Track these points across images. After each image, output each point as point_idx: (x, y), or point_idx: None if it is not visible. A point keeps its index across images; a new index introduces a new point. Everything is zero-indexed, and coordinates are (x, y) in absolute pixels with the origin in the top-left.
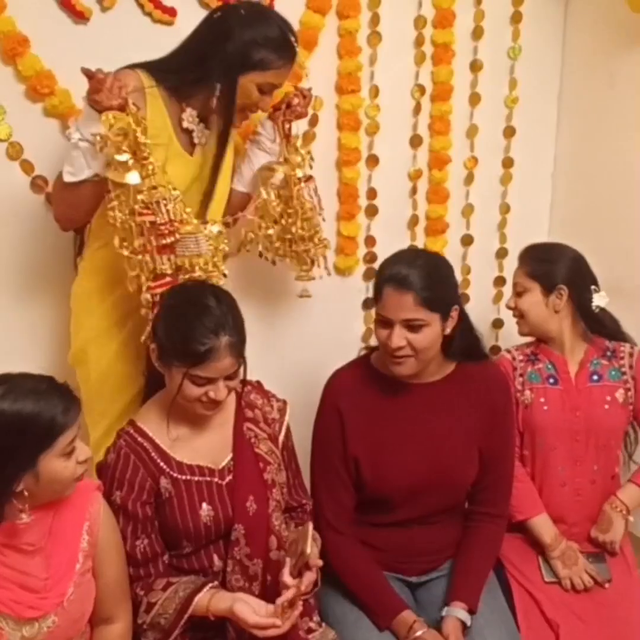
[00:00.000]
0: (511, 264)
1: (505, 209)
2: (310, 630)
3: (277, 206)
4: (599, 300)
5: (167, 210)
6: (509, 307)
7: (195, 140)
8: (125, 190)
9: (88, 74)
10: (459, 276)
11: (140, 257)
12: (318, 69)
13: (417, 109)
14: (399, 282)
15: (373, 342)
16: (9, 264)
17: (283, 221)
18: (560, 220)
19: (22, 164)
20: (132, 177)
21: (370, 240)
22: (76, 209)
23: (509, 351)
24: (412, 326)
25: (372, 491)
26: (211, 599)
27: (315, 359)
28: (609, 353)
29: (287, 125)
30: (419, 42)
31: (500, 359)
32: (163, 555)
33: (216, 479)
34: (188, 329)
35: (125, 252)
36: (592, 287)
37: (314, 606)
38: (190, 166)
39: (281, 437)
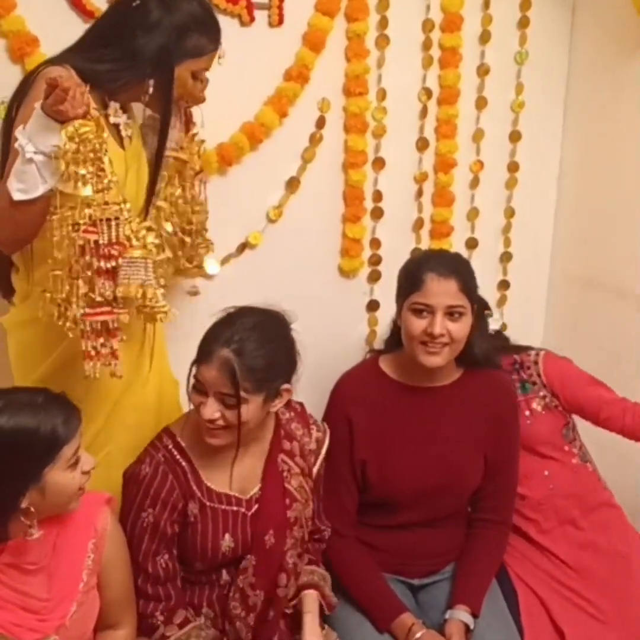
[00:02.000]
0: (515, 267)
1: (510, 213)
2: None
3: (177, 191)
4: (493, 323)
5: (115, 231)
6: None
7: (123, 133)
8: (74, 203)
9: (52, 83)
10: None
11: (73, 279)
12: (325, 71)
13: (423, 112)
14: (444, 268)
15: (377, 344)
16: None
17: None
18: (565, 225)
19: None
20: (86, 190)
21: (375, 243)
22: (26, 229)
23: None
24: (452, 314)
25: (378, 493)
26: None
27: (319, 361)
28: (516, 366)
29: (186, 113)
30: (426, 45)
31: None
32: (179, 572)
33: (242, 509)
34: (210, 330)
35: (56, 273)
36: (486, 311)
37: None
38: (124, 160)
39: (316, 469)
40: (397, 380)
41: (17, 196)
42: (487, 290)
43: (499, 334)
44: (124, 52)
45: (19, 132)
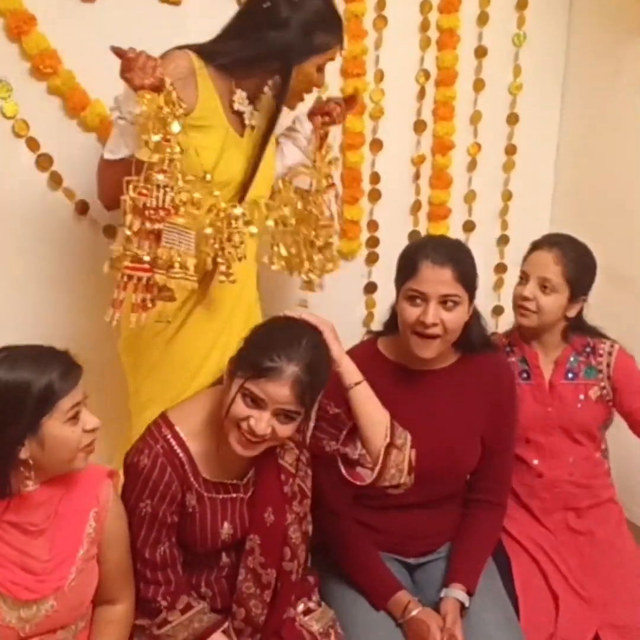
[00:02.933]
0: (512, 250)
1: (507, 196)
2: (308, 611)
3: (297, 200)
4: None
5: (163, 197)
6: (526, 298)
7: (246, 122)
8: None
9: (118, 52)
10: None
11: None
12: None
13: (421, 94)
14: (440, 256)
15: (375, 326)
16: (16, 239)
17: (295, 224)
18: (563, 208)
19: (28, 141)
20: (155, 158)
21: (372, 225)
22: (115, 187)
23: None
24: (446, 303)
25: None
26: None
27: None
28: (588, 349)
29: (323, 132)
30: (424, 26)
31: None
32: (179, 558)
33: (240, 494)
34: (267, 343)
35: (128, 232)
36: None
37: (313, 586)
38: (242, 147)
39: (308, 434)
40: (395, 362)
41: (106, 155)
42: (484, 273)
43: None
44: (252, 46)
45: (114, 99)
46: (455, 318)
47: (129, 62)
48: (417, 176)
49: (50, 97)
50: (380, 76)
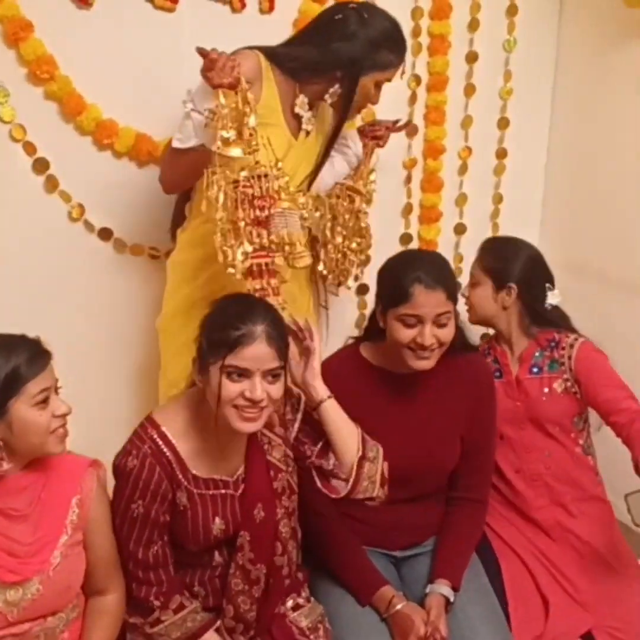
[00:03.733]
0: None
1: (498, 199)
2: (298, 606)
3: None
4: (552, 298)
5: (266, 185)
6: (462, 295)
7: (304, 126)
8: (230, 164)
9: (202, 53)
10: (451, 264)
11: (232, 227)
12: None
13: (413, 99)
14: (432, 279)
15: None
16: (12, 240)
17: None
18: (553, 211)
19: (25, 145)
20: (236, 152)
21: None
22: (179, 174)
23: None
24: (440, 321)
25: None
26: None
27: None
28: (553, 343)
29: (371, 151)
30: (415, 32)
31: None
32: (171, 558)
33: (230, 491)
34: (227, 318)
35: (221, 225)
36: (547, 285)
37: (302, 582)
38: (294, 149)
39: (292, 436)
40: (377, 366)
41: (174, 143)
42: None
43: (557, 309)
44: (318, 53)
45: (188, 91)
46: (449, 332)
47: (211, 62)
48: (408, 179)
49: (46, 102)
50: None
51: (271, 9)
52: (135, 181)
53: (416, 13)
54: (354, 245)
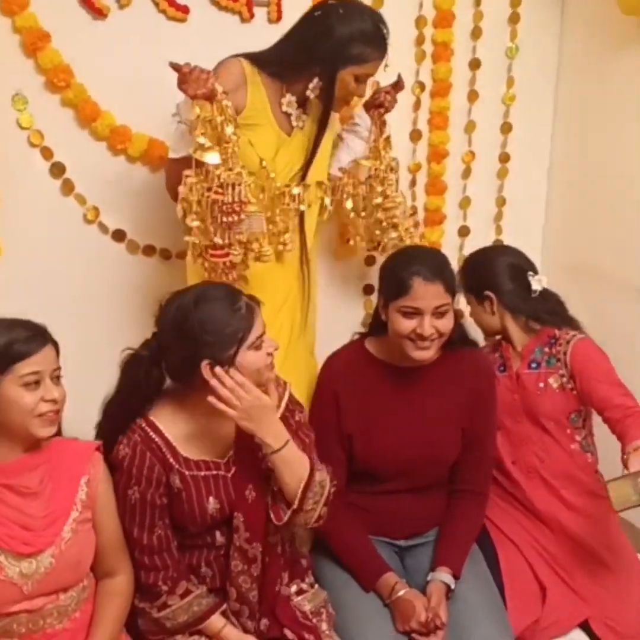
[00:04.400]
0: None
1: (501, 202)
2: (301, 591)
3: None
4: (536, 284)
5: (238, 192)
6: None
7: (293, 123)
8: (205, 169)
9: (175, 67)
10: (455, 266)
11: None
12: None
13: (417, 105)
14: (431, 272)
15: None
16: (30, 241)
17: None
18: (556, 214)
19: (43, 150)
20: (211, 158)
21: None
22: (179, 183)
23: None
24: (440, 312)
25: (364, 465)
26: (225, 627)
27: (316, 342)
28: (552, 340)
29: (380, 122)
30: (419, 41)
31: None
32: (173, 541)
33: (222, 472)
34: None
35: (191, 223)
36: (529, 273)
37: (306, 568)
38: (289, 146)
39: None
40: (382, 360)
41: (170, 154)
42: None
43: (551, 296)
44: (296, 51)
45: (176, 105)
46: (448, 323)
47: (184, 75)
48: (413, 183)
49: (63, 109)
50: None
51: (279, 18)
52: (147, 184)
53: (420, 22)
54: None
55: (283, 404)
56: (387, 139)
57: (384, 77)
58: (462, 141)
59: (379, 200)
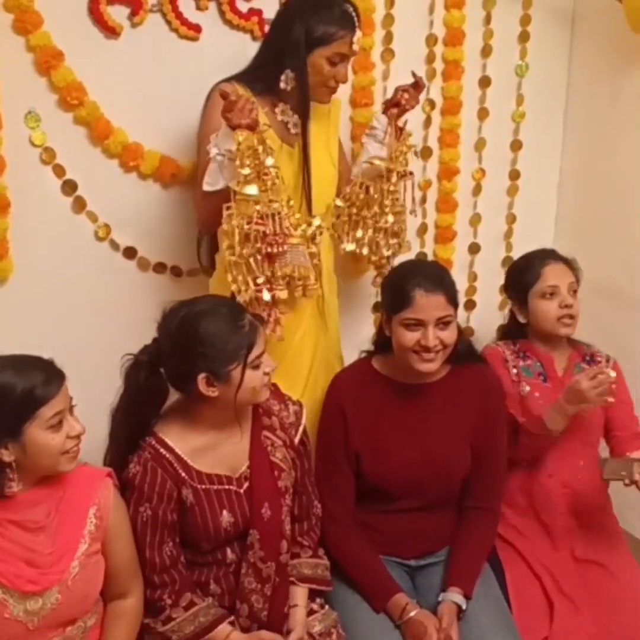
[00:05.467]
0: None
1: (511, 219)
2: (312, 611)
3: (361, 194)
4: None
5: (279, 223)
6: (568, 306)
7: (292, 131)
8: (245, 201)
9: (223, 95)
10: (465, 283)
11: (243, 261)
12: None
13: (427, 122)
14: (432, 284)
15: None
16: (41, 258)
17: (372, 211)
18: (565, 231)
19: (55, 168)
20: (251, 189)
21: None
22: (213, 215)
23: (496, 344)
24: (443, 323)
25: (372, 483)
26: (231, 633)
27: None
28: (588, 358)
29: (399, 122)
30: (430, 59)
31: (490, 349)
32: (181, 557)
33: (234, 487)
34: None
35: (231, 257)
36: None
37: (316, 589)
38: (295, 157)
39: (297, 439)
40: (388, 377)
41: (205, 187)
42: (489, 293)
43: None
44: (267, 53)
45: (212, 137)
46: (451, 334)
47: (231, 104)
48: (423, 200)
49: (76, 127)
50: (387, 105)
51: None
52: (159, 202)
53: (430, 40)
54: (387, 220)
55: (301, 429)
56: (405, 141)
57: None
58: (472, 158)
59: (388, 202)
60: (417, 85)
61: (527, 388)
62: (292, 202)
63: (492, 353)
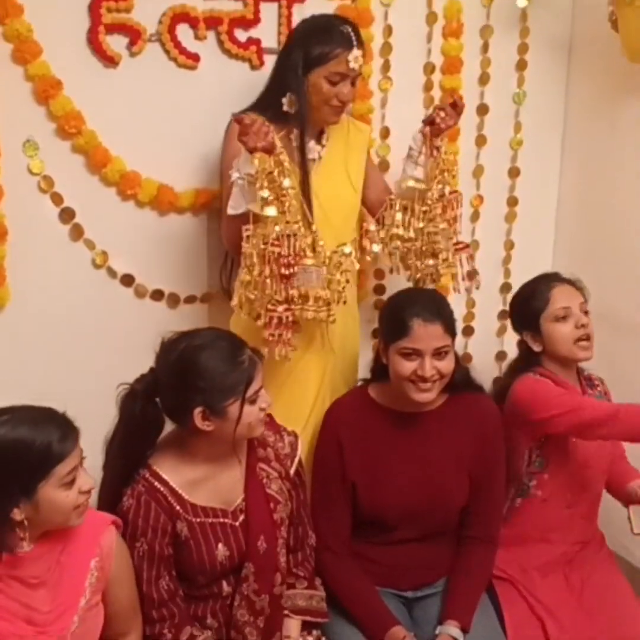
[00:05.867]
0: None
1: (509, 245)
2: None
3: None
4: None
5: (294, 244)
6: (584, 325)
7: (309, 156)
8: (264, 222)
9: (237, 120)
10: (464, 309)
11: (261, 281)
12: None
13: None
14: (430, 313)
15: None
16: (38, 286)
17: (409, 234)
18: (564, 257)
19: (53, 196)
20: (270, 211)
21: (379, 273)
22: (239, 238)
23: (542, 374)
24: (440, 353)
25: (369, 513)
26: None
27: None
28: (586, 382)
29: (435, 141)
30: (428, 87)
31: (538, 381)
32: (179, 590)
33: (229, 520)
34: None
35: (247, 277)
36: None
37: (312, 621)
38: (311, 181)
39: (292, 471)
40: (385, 406)
41: (229, 211)
42: (488, 320)
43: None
44: (273, 78)
45: (234, 162)
46: (449, 364)
47: (245, 128)
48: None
49: (74, 155)
50: (385, 133)
51: None
52: (156, 229)
53: (428, 68)
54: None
55: (296, 460)
56: (441, 159)
57: None
58: (470, 185)
59: (421, 224)
60: (454, 105)
61: None
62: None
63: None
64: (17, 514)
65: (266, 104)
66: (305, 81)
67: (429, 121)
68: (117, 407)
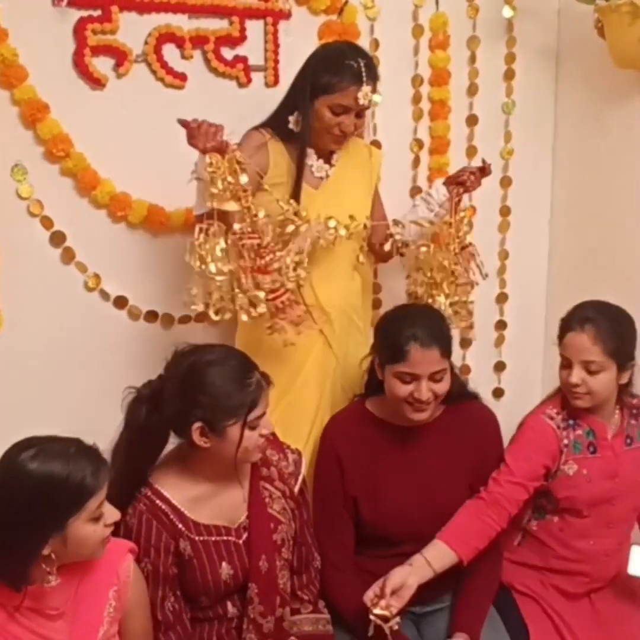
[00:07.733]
0: (511, 308)
1: (504, 255)
2: None
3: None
4: None
5: (272, 230)
6: (575, 384)
7: (315, 174)
8: (226, 218)
9: (182, 123)
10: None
11: (225, 278)
12: None
13: (416, 162)
14: (428, 337)
15: None
16: (30, 311)
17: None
18: (559, 265)
19: (42, 220)
20: (230, 206)
21: (375, 287)
22: None
23: (550, 417)
24: (436, 377)
25: (372, 528)
26: None
27: None
28: (635, 411)
29: (456, 199)
30: (416, 99)
31: (543, 426)
32: (185, 611)
33: (233, 538)
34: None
35: (217, 278)
36: None
37: None
38: (312, 198)
39: (296, 489)
40: (383, 420)
41: (194, 211)
42: (484, 330)
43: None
44: (285, 99)
45: (194, 163)
46: (444, 385)
47: (192, 130)
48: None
49: (62, 178)
50: (375, 146)
51: (276, 82)
52: (148, 251)
53: (416, 80)
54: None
55: (300, 479)
56: (461, 219)
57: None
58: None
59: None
60: (483, 170)
61: (574, 468)
62: (305, 214)
63: (544, 431)
64: (46, 549)
65: (278, 120)
66: (311, 105)
67: (459, 182)
68: (123, 412)
